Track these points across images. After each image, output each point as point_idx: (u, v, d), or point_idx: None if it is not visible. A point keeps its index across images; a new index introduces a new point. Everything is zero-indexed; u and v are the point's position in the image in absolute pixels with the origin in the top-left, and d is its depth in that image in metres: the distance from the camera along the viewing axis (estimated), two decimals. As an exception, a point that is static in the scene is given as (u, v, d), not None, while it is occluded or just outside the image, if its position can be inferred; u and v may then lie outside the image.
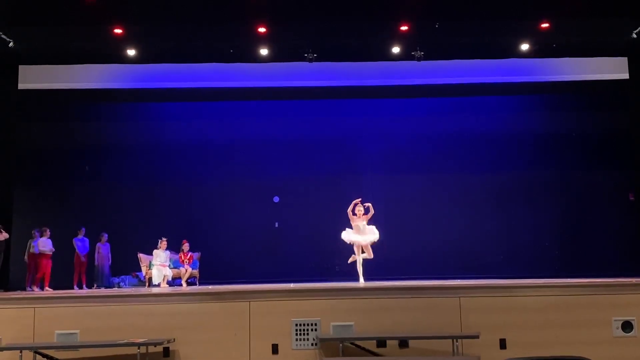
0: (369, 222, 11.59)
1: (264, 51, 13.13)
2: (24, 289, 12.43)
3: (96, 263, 13.65)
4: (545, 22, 12.23)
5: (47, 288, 12.59)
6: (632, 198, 14.29)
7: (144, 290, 12.05)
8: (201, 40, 12.75)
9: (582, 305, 8.34)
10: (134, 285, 13.86)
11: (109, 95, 14.73)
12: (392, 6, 11.76)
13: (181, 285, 13.28)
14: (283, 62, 13.74)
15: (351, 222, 11.61)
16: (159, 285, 13.02)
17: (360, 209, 11.63)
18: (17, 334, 8.25)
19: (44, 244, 12.78)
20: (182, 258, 13.55)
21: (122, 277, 14.02)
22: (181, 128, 15.21)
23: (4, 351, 8.00)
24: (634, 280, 9.11)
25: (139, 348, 7.83)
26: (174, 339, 8.20)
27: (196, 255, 13.81)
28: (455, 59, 13.93)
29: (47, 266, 12.70)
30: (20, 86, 13.58)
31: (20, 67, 13.54)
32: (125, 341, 7.92)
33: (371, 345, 8.18)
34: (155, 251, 13.34)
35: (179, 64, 13.96)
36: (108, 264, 13.77)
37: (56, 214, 14.34)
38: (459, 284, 9.23)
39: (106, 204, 14.80)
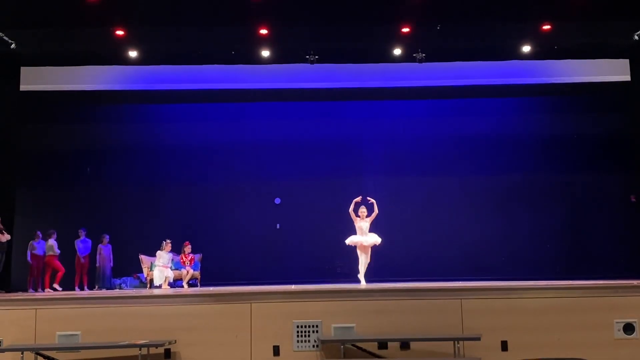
0: (372, 228, 11.59)
1: (265, 53, 13.16)
2: (26, 290, 12.44)
3: (97, 264, 13.66)
4: (547, 24, 12.24)
5: (56, 286, 12.86)
6: (633, 200, 14.28)
7: (145, 291, 12.05)
8: (203, 41, 12.77)
9: (584, 307, 8.32)
10: (135, 287, 13.86)
11: (111, 97, 14.76)
12: (393, 8, 11.76)
13: (182, 286, 13.27)
14: (285, 64, 13.79)
15: (355, 224, 11.62)
16: (160, 286, 13.02)
17: (363, 211, 11.63)
18: (18, 335, 8.24)
19: (49, 247, 13.08)
20: (184, 259, 13.55)
21: (124, 278, 14.03)
22: (182, 129, 15.22)
23: (5, 352, 8.00)
24: (635, 282, 9.09)
25: (140, 349, 7.82)
26: (175, 341, 8.20)
27: (197, 256, 13.81)
28: (457, 61, 13.95)
29: (60, 267, 13.10)
30: (22, 88, 13.61)
31: (22, 68, 13.57)
32: (127, 342, 7.92)
33: (372, 347, 8.17)
34: (158, 252, 13.34)
35: (181, 66, 14.00)
36: (109, 265, 13.79)
37: (58, 216, 14.36)
38: (461, 286, 9.22)
39: (108, 205, 14.80)
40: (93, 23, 11.83)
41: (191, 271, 13.48)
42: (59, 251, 13.14)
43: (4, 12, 11.60)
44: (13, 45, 12.41)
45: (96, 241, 13.73)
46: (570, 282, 10.10)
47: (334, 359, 8.01)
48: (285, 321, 8.29)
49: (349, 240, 11.64)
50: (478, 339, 7.95)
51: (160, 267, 13.19)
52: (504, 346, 8.18)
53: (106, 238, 13.83)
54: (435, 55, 13.46)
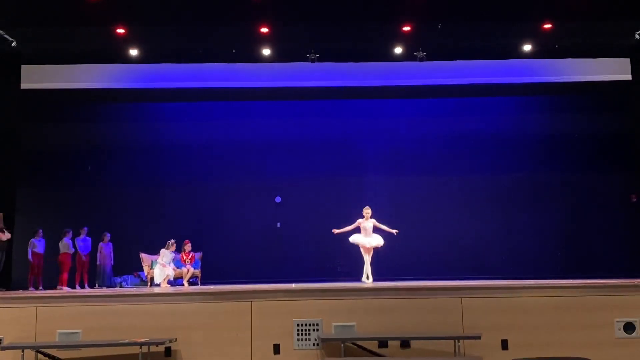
0: (376, 230, 11.60)
1: (266, 51, 13.14)
2: (27, 288, 12.45)
3: (98, 262, 13.67)
4: (548, 23, 12.22)
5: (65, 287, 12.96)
6: (634, 199, 14.28)
7: (146, 289, 12.06)
8: (203, 40, 12.77)
9: (584, 307, 8.32)
10: (136, 285, 13.87)
11: (111, 95, 14.77)
12: (394, 7, 11.76)
13: (183, 285, 13.28)
14: (285, 62, 13.76)
15: (359, 224, 11.62)
16: (159, 284, 13.04)
17: (367, 212, 11.64)
18: (19, 334, 8.25)
19: (64, 246, 13.24)
20: (184, 258, 13.56)
21: (124, 276, 14.04)
22: (182, 128, 15.22)
23: (6, 350, 8.01)
24: (636, 281, 9.09)
25: (140, 347, 7.83)
26: (176, 339, 8.21)
27: (198, 255, 13.82)
28: (458, 59, 13.94)
29: (68, 266, 13.19)
30: (23, 86, 13.58)
31: (23, 66, 13.53)
32: (127, 341, 7.93)
33: (373, 346, 8.18)
34: (162, 250, 13.36)
35: (182, 64, 13.99)
36: (110, 263, 13.80)
37: (58, 214, 14.37)
38: (461, 285, 9.23)
39: (108, 203, 14.81)
40: (94, 21, 11.81)
41: (192, 269, 13.49)
42: (73, 250, 13.31)
43: (5, 10, 11.59)
44: (14, 44, 12.40)
45: (97, 239, 13.73)
46: (571, 281, 10.10)
47: (334, 358, 8.01)
48: (285, 319, 8.30)
49: (352, 239, 11.66)
50: (478, 337, 7.95)
51: (162, 264, 13.20)
52: (504, 345, 8.18)
53: (107, 236, 13.84)
54: (436, 54, 13.45)
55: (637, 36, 12.56)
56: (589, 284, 9.03)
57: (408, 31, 12.40)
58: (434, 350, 8.16)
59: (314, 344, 8.23)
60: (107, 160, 15.02)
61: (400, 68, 14.07)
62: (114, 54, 13.25)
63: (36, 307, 8.42)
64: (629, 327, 8.22)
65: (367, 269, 11.54)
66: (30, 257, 12.77)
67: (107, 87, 14.52)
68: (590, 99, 14.93)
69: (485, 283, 9.98)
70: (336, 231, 11.75)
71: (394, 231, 11.62)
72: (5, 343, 8.16)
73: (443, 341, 8.12)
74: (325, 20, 12.06)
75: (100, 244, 13.74)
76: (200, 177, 15.14)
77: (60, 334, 8.28)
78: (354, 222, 11.76)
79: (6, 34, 12.15)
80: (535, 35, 12.77)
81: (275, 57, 13.36)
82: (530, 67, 14.18)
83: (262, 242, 14.84)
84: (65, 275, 13.07)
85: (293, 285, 10.14)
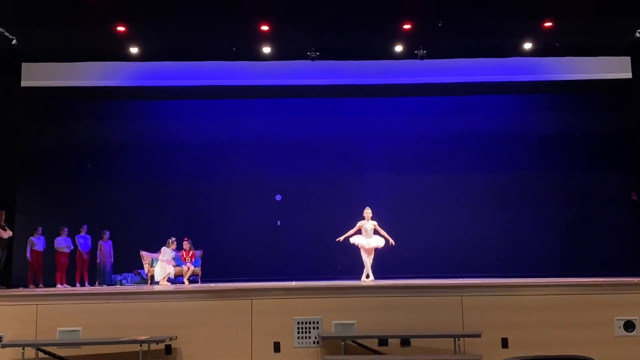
0: (376, 233, 11.62)
1: (266, 49, 13.13)
2: (26, 286, 12.46)
3: (98, 260, 13.67)
4: (549, 22, 12.22)
5: (64, 285, 12.93)
6: (634, 197, 14.28)
7: (146, 287, 12.07)
8: (204, 38, 12.75)
9: (584, 305, 8.33)
10: (136, 283, 13.87)
11: (112, 93, 14.74)
12: (395, 5, 11.75)
13: (183, 283, 13.29)
14: (286, 60, 13.75)
15: (360, 227, 11.61)
16: (159, 282, 13.06)
17: (368, 212, 11.63)
18: (19, 331, 8.26)
19: (60, 243, 13.21)
20: (184, 256, 13.56)
21: (124, 274, 14.03)
22: (183, 126, 15.20)
23: (6, 348, 8.02)
24: (636, 279, 9.10)
25: (140, 345, 7.84)
26: (176, 337, 8.21)
27: (198, 253, 13.83)
28: (458, 57, 13.93)
29: (65, 264, 13.17)
30: (23, 84, 13.60)
31: (23, 64, 13.55)
32: (127, 338, 7.94)
33: (373, 344, 8.19)
34: (163, 249, 13.37)
35: (182, 62, 13.97)
36: (110, 261, 13.80)
37: (58, 212, 14.36)
38: (461, 283, 9.23)
39: (108, 201, 14.80)
40: (94, 19, 11.81)
41: (192, 267, 13.50)
42: (67, 248, 13.31)
43: (5, 8, 11.58)
44: (14, 41, 12.38)
45: (97, 237, 13.73)
46: (571, 279, 10.11)
47: (334, 356, 8.02)
48: (285, 317, 8.30)
49: (353, 240, 11.65)
50: (478, 336, 7.96)
51: (163, 262, 13.21)
52: (505, 343, 8.19)
53: (106, 234, 13.84)
54: (436, 52, 13.44)
55: (638, 34, 12.55)
56: (589, 282, 9.05)
57: (408, 29, 12.40)
58: (434, 348, 8.17)
59: (314, 342, 8.24)
60: (107, 158, 14.99)
61: (401, 66, 14.06)
62: (114, 52, 13.23)
63: (36, 304, 8.43)
64: (628, 326, 8.23)
65: (368, 269, 11.53)
66: (28, 255, 12.77)
67: (108, 85, 14.49)
68: (591, 98, 14.91)
69: (485, 281, 9.99)
70: (340, 239, 11.72)
71: (392, 242, 11.58)
72: (5, 341, 8.17)
73: (443, 339, 8.13)
74: (326, 18, 12.05)
75: (100, 242, 13.74)
76: (200, 174, 15.12)
77: (61, 331, 8.29)
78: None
79: (7, 31, 12.14)
80: (535, 34, 12.76)
81: (276, 55, 13.34)
82: (531, 65, 14.16)
83: (262, 240, 14.82)
84: (60, 274, 13.02)
85: (293, 283, 10.16)
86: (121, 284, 13.73)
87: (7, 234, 12.05)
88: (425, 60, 13.36)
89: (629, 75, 13.71)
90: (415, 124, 15.27)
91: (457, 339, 8.01)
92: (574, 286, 8.69)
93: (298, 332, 8.26)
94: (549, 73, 14.41)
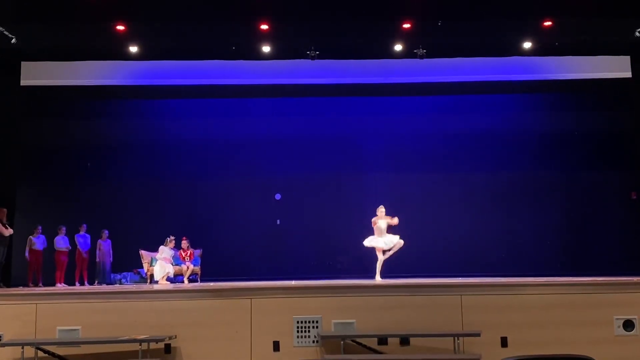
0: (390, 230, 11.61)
1: (266, 49, 13.12)
2: (26, 285, 12.45)
3: (97, 260, 13.67)
4: (548, 21, 12.21)
5: (63, 284, 12.94)
6: (634, 197, 14.28)
7: (146, 287, 12.07)
8: (204, 37, 12.74)
9: (584, 304, 8.33)
10: (136, 282, 13.86)
11: (111, 92, 14.73)
12: (394, 4, 11.74)
13: (183, 282, 13.29)
14: (285, 59, 13.74)
15: (373, 225, 11.59)
16: (158, 282, 13.06)
17: (382, 210, 11.61)
18: (18, 330, 8.26)
19: (59, 242, 13.24)
20: (183, 255, 13.56)
21: (124, 273, 14.03)
22: (182, 125, 15.20)
23: (6, 347, 8.02)
24: (635, 279, 9.10)
25: (140, 344, 7.84)
26: (176, 336, 8.21)
27: (197, 252, 13.81)
28: (458, 57, 13.92)
29: (64, 263, 13.19)
30: (23, 83, 13.59)
31: (23, 63, 13.54)
32: (127, 337, 7.94)
33: (372, 343, 8.19)
34: (161, 247, 13.36)
35: (182, 61, 13.97)
36: (109, 260, 13.80)
37: (58, 211, 14.36)
38: (461, 282, 9.23)
39: (108, 200, 14.80)
40: (94, 18, 11.78)
41: (191, 266, 13.48)
42: (69, 247, 13.39)
43: (4, 6, 11.57)
44: (14, 40, 12.36)
45: (96, 236, 13.73)
46: (570, 278, 10.10)
47: (334, 355, 8.02)
48: (285, 317, 8.30)
49: (367, 243, 11.64)
50: (478, 335, 7.96)
51: (162, 261, 13.21)
52: (504, 342, 8.19)
53: (105, 233, 13.84)
54: (436, 51, 13.43)
55: (637, 34, 12.54)
56: (588, 281, 9.05)
57: (408, 28, 12.38)
58: (434, 347, 8.17)
59: (313, 341, 8.24)
60: (106, 157, 14.99)
61: (401, 65, 14.05)
62: (114, 51, 13.23)
63: (36, 303, 8.43)
64: (628, 325, 8.23)
65: (378, 266, 11.53)
66: (27, 254, 12.77)
67: (107, 84, 14.48)
68: (591, 97, 14.91)
69: (485, 280, 9.99)
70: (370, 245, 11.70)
71: (395, 221, 11.52)
72: (5, 340, 8.17)
73: (443, 338, 8.13)
74: (326, 17, 12.03)
75: (99, 241, 13.73)
76: (199, 174, 15.12)
77: (60, 330, 8.29)
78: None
79: (6, 30, 12.13)
80: (535, 33, 12.75)
81: (275, 54, 13.34)
82: (530, 64, 14.15)
83: (261, 239, 14.82)
84: (60, 273, 13.04)
85: (293, 283, 10.16)
86: (120, 283, 13.72)
87: (8, 231, 12.04)
88: (425, 59, 13.35)
89: (628, 74, 13.71)
90: (415, 123, 15.26)
91: (456, 338, 8.02)
92: (574, 285, 8.69)
93: (297, 331, 8.26)
94: (549, 72, 14.40)
